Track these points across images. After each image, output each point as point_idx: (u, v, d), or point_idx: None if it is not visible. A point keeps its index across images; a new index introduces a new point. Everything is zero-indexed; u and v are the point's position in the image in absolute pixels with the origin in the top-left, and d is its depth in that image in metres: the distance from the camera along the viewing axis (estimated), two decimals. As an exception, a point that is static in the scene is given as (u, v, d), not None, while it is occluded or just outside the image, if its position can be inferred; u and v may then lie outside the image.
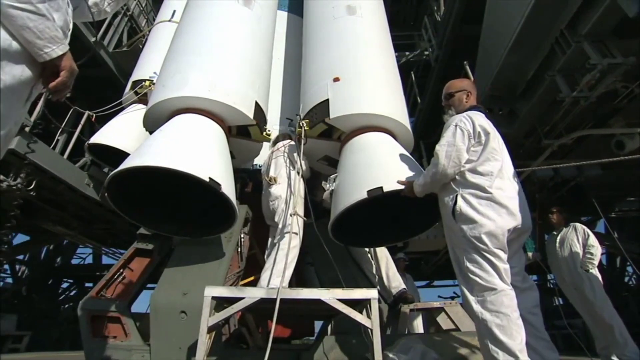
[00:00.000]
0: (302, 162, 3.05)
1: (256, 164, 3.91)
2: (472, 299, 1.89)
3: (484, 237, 1.89)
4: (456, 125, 2.14)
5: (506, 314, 1.77)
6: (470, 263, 1.93)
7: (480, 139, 2.10)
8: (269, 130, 3.44)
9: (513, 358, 1.71)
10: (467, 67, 5.26)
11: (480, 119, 2.17)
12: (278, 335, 3.90)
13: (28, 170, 4.58)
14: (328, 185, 3.01)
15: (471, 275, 1.91)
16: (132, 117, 4.66)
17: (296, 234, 2.93)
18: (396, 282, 3.30)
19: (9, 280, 9.99)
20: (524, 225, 2.03)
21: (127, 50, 6.60)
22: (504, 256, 1.92)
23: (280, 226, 3.03)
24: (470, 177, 2.05)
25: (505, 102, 5.26)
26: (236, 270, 3.21)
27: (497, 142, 2.14)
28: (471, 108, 2.31)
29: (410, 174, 2.62)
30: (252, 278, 3.40)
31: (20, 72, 1.00)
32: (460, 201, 2.02)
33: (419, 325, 4.71)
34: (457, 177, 2.10)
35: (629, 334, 3.57)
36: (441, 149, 2.12)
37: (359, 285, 2.98)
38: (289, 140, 3.47)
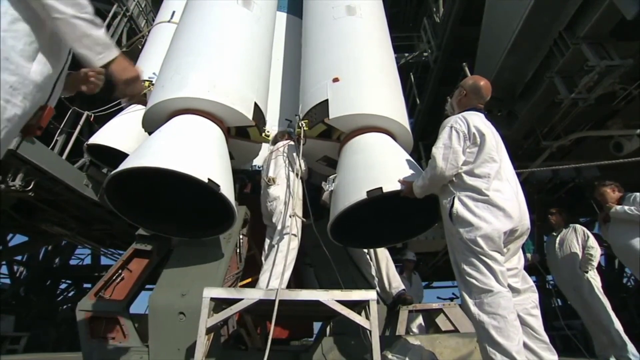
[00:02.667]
0: (301, 163, 3.05)
1: (255, 165, 3.91)
2: (470, 301, 1.90)
3: (480, 240, 1.89)
4: (451, 127, 2.14)
5: (503, 315, 1.78)
6: (467, 265, 1.93)
7: (475, 140, 2.10)
8: (268, 131, 3.44)
9: None
10: (466, 69, 5.28)
11: (476, 120, 2.16)
12: (277, 337, 3.90)
13: (26, 171, 4.57)
14: (327, 186, 3.00)
15: (468, 278, 1.91)
16: (131, 117, 4.65)
17: (295, 235, 2.92)
18: (395, 282, 3.29)
19: (7, 280, 9.96)
20: (522, 227, 2.03)
21: (126, 51, 6.58)
22: (501, 258, 1.92)
23: (279, 227, 3.02)
24: (467, 179, 2.05)
25: (504, 104, 5.28)
26: (235, 271, 3.20)
27: (494, 143, 2.13)
28: (470, 109, 2.31)
29: (410, 174, 2.62)
30: (249, 280, 3.40)
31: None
32: (457, 203, 2.02)
33: (418, 326, 4.71)
34: (454, 179, 2.10)
35: (628, 335, 3.58)
36: (438, 151, 2.12)
37: (358, 286, 2.97)
38: (288, 140, 3.47)
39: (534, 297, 2.05)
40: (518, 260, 2.11)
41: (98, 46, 1.11)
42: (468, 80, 2.44)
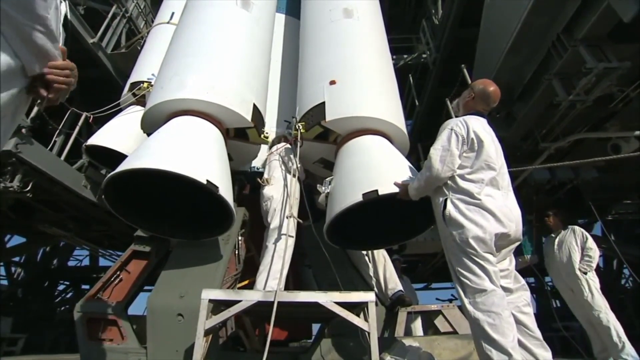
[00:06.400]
0: (298, 164, 3.06)
1: (254, 166, 3.91)
2: (465, 300, 1.92)
3: (472, 242, 1.92)
4: (452, 129, 2.15)
5: (497, 312, 1.80)
6: (461, 266, 1.96)
7: (472, 145, 2.11)
8: (266, 133, 3.44)
9: (506, 356, 1.72)
10: (465, 70, 5.29)
11: (476, 125, 2.17)
12: (275, 338, 3.89)
13: (24, 172, 4.56)
14: (324, 188, 3.01)
15: (462, 279, 1.94)
16: (130, 118, 4.65)
17: (292, 236, 2.93)
18: (392, 283, 3.29)
19: (5, 282, 9.92)
20: (515, 234, 2.05)
21: (125, 52, 6.59)
22: (493, 259, 1.95)
23: (273, 227, 3.02)
24: (461, 182, 2.07)
25: (503, 105, 5.28)
26: (233, 273, 3.20)
27: (493, 150, 2.14)
28: (474, 113, 2.31)
29: (406, 176, 2.63)
30: (248, 281, 3.39)
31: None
32: (449, 206, 2.05)
33: (416, 328, 4.70)
34: (448, 181, 2.12)
35: (627, 336, 3.58)
36: (435, 152, 2.14)
37: (357, 288, 2.97)
38: (285, 143, 3.48)
39: (525, 295, 2.08)
40: (509, 262, 2.15)
41: (39, 55, 1.09)
42: (478, 84, 2.42)
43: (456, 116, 2.41)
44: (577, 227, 4.23)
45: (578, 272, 3.93)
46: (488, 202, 1.99)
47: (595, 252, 3.98)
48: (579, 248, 4.05)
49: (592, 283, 3.86)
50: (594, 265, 3.95)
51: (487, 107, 2.37)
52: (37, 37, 1.03)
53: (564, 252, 4.13)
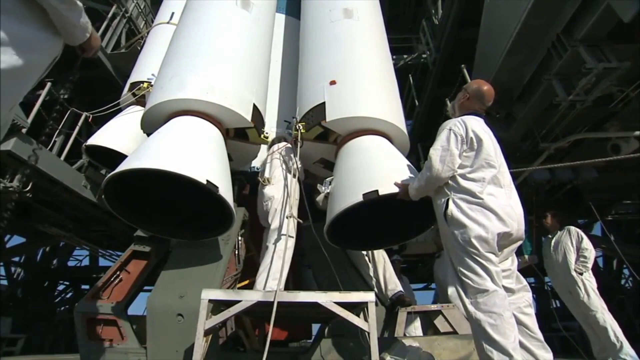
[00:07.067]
0: (298, 164, 3.06)
1: (254, 166, 3.92)
2: (466, 300, 1.91)
3: (475, 242, 1.91)
4: (450, 129, 2.16)
5: (499, 313, 1.79)
6: (463, 266, 1.95)
7: (472, 145, 2.11)
8: (266, 133, 3.44)
9: (507, 357, 1.72)
10: (465, 71, 5.29)
11: (474, 125, 2.18)
12: (275, 338, 3.89)
13: (24, 172, 4.56)
14: (324, 188, 3.01)
15: (464, 278, 1.93)
16: (129, 118, 4.65)
17: (292, 237, 2.93)
18: (392, 284, 3.29)
19: (4, 282, 9.91)
20: (518, 233, 2.04)
21: (125, 52, 6.59)
22: (495, 259, 1.94)
23: (274, 227, 3.02)
24: (462, 182, 2.07)
25: (502, 106, 5.29)
26: (233, 273, 3.20)
27: (492, 149, 2.14)
28: (471, 113, 2.32)
29: (406, 177, 2.63)
30: (248, 281, 3.39)
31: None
32: (451, 205, 2.04)
33: (416, 328, 4.70)
34: (449, 181, 2.12)
35: (626, 337, 3.58)
36: (435, 153, 2.14)
37: (357, 288, 2.97)
38: (285, 143, 3.48)
39: (527, 296, 2.07)
40: (511, 262, 2.14)
41: (80, 30, 1.28)
42: (472, 84, 2.45)
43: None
44: (572, 228, 4.22)
45: (574, 273, 3.92)
46: (490, 201, 1.98)
47: (590, 253, 3.97)
48: (575, 248, 4.05)
49: (588, 284, 3.85)
50: (590, 265, 3.94)
51: (483, 106, 2.38)
52: (68, 12, 1.19)
53: (560, 252, 4.12)
